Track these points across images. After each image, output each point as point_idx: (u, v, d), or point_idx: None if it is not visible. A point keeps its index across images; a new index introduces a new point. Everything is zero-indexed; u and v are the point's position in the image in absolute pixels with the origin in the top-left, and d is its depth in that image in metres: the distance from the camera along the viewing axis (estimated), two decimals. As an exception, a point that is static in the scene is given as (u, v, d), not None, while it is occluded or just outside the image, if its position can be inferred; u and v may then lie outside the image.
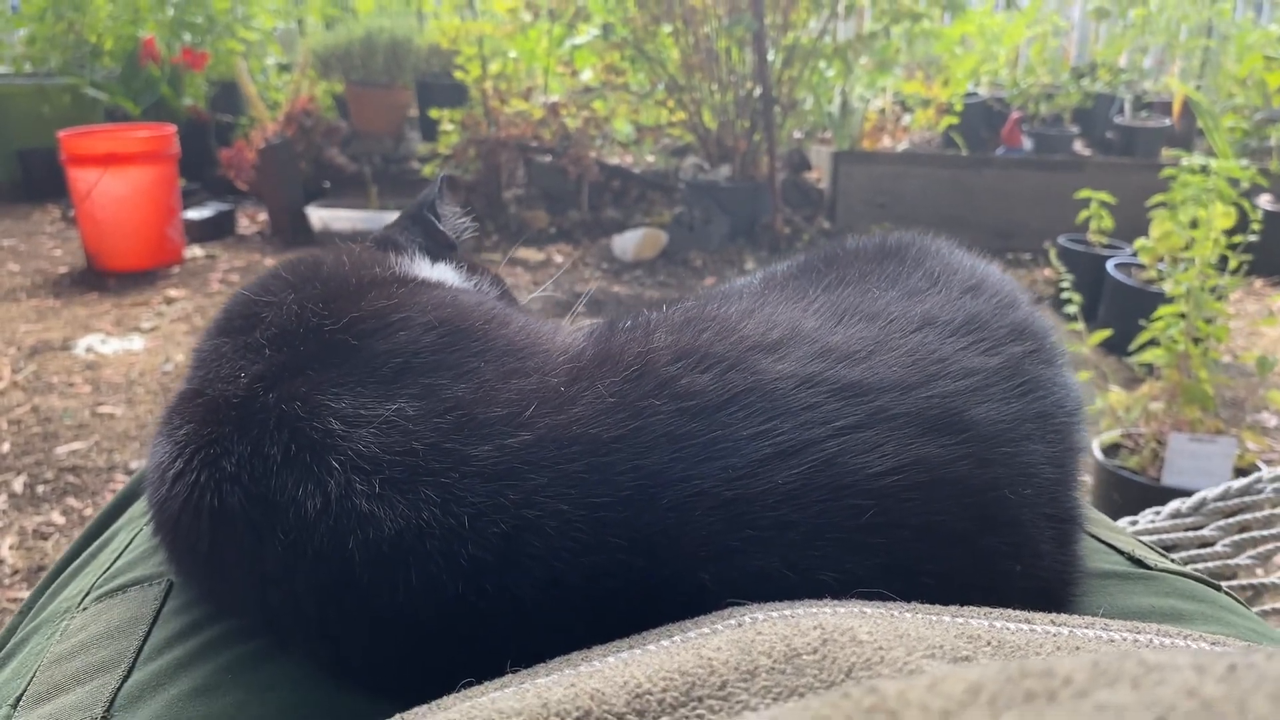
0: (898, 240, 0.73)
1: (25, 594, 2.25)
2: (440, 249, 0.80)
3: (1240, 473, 2.43)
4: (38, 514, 2.59)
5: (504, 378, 0.52)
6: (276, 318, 0.59)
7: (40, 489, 2.71)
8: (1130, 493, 2.39)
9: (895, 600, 0.45)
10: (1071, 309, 2.91)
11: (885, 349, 0.55)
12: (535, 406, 0.50)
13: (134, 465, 2.82)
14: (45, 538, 2.49)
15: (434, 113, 5.42)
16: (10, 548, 2.43)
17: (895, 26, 5.04)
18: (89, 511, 2.60)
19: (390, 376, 0.53)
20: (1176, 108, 5.81)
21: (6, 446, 2.92)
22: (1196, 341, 2.47)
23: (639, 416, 0.49)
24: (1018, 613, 0.45)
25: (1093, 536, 0.75)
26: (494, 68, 5.33)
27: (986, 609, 0.45)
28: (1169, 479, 2.35)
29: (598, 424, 0.49)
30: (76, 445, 2.94)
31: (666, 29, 4.93)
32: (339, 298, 0.60)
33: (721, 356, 0.52)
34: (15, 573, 2.34)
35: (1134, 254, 3.33)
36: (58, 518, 2.57)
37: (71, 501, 2.65)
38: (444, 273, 0.74)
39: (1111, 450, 2.58)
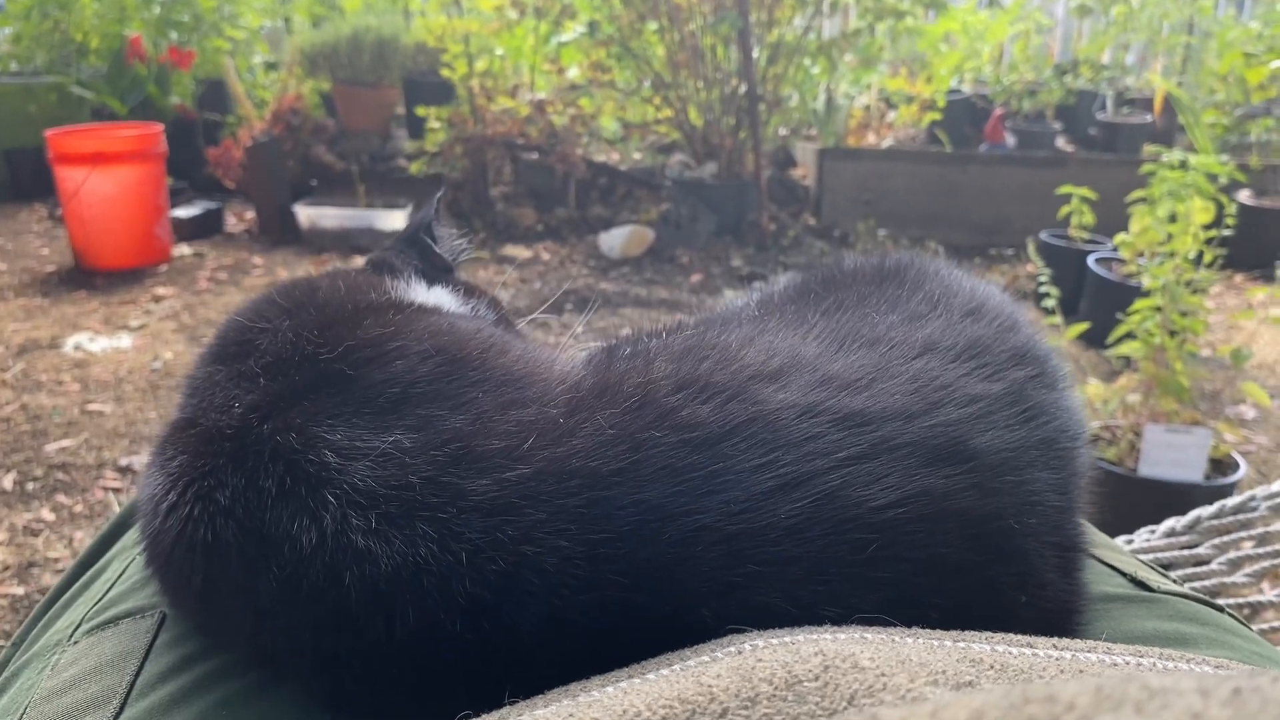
0: (896, 261, 0.72)
1: (16, 590, 2.27)
2: (437, 272, 0.78)
3: (1215, 463, 2.47)
4: (27, 511, 2.60)
5: (502, 409, 0.51)
6: (271, 345, 0.58)
7: (30, 486, 2.72)
8: (1107, 483, 2.43)
9: (896, 625, 0.44)
10: (1049, 302, 2.95)
11: (887, 376, 0.54)
12: (534, 439, 0.49)
13: (123, 462, 2.84)
14: (35, 534, 2.50)
15: (421, 111, 5.42)
16: (0, 544, 2.45)
17: (879, 24, 5.08)
18: (79, 508, 2.62)
19: (387, 407, 0.51)
20: (1158, 104, 5.86)
21: (-4, 445, 2.93)
22: (1172, 334, 2.51)
23: (639, 449, 0.48)
24: (1020, 637, 0.44)
25: (1095, 558, 0.73)
26: (480, 65, 5.34)
27: (988, 633, 0.44)
28: (1145, 469, 2.39)
29: (597, 457, 0.48)
30: (66, 442, 2.95)
31: (652, 26, 4.95)
32: (334, 325, 0.58)
33: (722, 386, 0.51)
34: (6, 569, 2.35)
35: (1115, 249, 3.38)
36: (47, 514, 2.59)
37: (61, 498, 2.66)
38: (440, 296, 0.73)
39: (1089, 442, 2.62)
